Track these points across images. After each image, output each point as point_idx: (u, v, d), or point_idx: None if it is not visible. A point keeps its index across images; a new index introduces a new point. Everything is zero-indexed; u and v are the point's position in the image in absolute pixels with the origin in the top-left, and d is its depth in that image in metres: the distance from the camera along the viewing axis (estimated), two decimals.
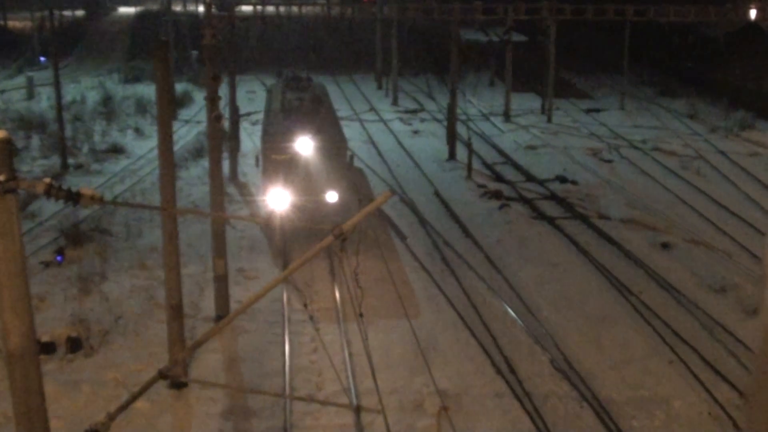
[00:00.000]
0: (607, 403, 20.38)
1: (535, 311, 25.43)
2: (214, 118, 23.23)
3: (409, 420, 19.68)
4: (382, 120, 55.79)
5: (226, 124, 36.15)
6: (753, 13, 55.90)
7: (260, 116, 56.20)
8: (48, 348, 22.23)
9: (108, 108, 56.78)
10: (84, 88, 65.03)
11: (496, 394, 20.87)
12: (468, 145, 41.65)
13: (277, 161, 29.82)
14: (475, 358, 22.60)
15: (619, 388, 21.23)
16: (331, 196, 28.83)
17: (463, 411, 19.99)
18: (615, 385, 21.35)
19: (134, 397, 8.48)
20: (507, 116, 56.06)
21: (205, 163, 37.74)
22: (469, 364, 22.29)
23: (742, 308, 25.75)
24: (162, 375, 8.33)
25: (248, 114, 53.20)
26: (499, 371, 21.83)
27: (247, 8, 61.17)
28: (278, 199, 26.89)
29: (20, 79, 66.53)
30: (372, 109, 60.14)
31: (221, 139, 25.40)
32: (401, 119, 56.68)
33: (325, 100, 38.59)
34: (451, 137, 45.01)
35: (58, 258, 28.52)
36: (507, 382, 21.33)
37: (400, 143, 48.30)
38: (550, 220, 33.89)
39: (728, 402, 20.32)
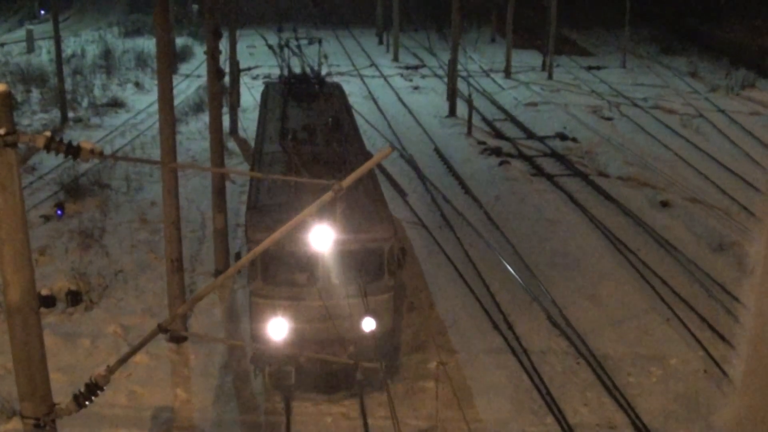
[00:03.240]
0: (604, 359, 20.50)
1: (534, 268, 25.49)
2: (215, 72, 23.17)
3: (408, 375, 19.80)
4: (382, 76, 55.62)
5: (226, 79, 35.93)
6: None
7: (260, 71, 56.38)
8: (48, 301, 22.33)
9: (108, 62, 56.58)
10: (84, 41, 64.76)
11: (493, 349, 20.99)
12: (468, 101, 41.56)
13: (272, 264, 18.15)
14: (474, 314, 22.70)
15: (616, 344, 21.34)
16: (367, 324, 16.38)
17: (461, 366, 20.12)
18: (612, 341, 21.46)
19: (134, 351, 8.55)
20: (508, 73, 55.86)
21: (205, 117, 37.62)
22: (468, 320, 22.39)
23: (740, 267, 25.81)
24: (162, 329, 8.39)
25: (248, 69, 53.03)
26: (496, 327, 21.94)
27: None
28: (276, 330, 16.49)
29: (20, 33, 66.20)
30: (373, 64, 59.93)
31: (221, 93, 25.25)
32: (402, 75, 56.52)
33: (349, 125, 25.50)
34: (452, 93, 44.90)
35: (58, 212, 28.55)
36: (505, 338, 21.44)
37: (400, 99, 48.19)
38: (550, 177, 33.89)
39: (724, 360, 20.43)
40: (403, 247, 21.13)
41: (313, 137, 22.62)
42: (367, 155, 22.88)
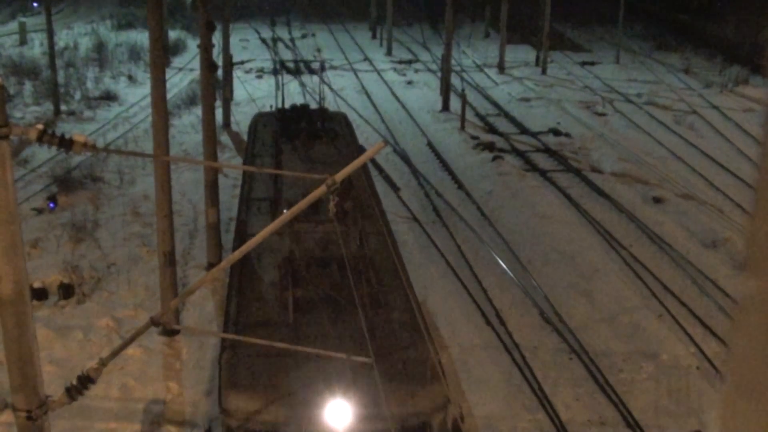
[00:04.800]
0: (596, 355, 20.52)
1: (526, 263, 25.51)
2: (208, 66, 23.13)
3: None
4: (376, 70, 55.58)
5: (219, 72, 35.84)
6: None
7: (254, 64, 56.30)
8: (40, 294, 22.29)
9: (101, 55, 56.49)
10: (77, 34, 64.62)
11: (485, 345, 21.00)
12: (462, 96, 41.55)
13: None
14: (466, 309, 22.71)
15: (608, 340, 21.36)
16: None
17: (453, 361, 20.13)
18: (604, 337, 21.48)
19: (126, 344, 8.53)
20: (501, 68, 55.87)
21: (197, 111, 37.60)
22: (460, 315, 22.40)
23: (732, 263, 25.86)
24: (154, 322, 8.37)
25: (241, 62, 52.95)
26: (488, 322, 21.95)
27: None
28: None
29: (13, 25, 66.03)
30: (366, 59, 59.87)
31: (214, 87, 25.18)
32: (395, 69, 56.51)
33: (365, 187, 18.78)
34: (445, 88, 44.89)
35: (51, 205, 28.51)
36: (496, 333, 21.45)
37: (393, 94, 48.16)
38: (543, 173, 33.90)
39: (716, 356, 20.47)
40: (461, 411, 14.98)
41: (317, 212, 16.06)
42: (393, 241, 16.64)
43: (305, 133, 22.14)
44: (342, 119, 25.20)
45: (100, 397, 17.96)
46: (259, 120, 25.03)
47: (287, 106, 24.90)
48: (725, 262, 25.99)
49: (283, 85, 24.25)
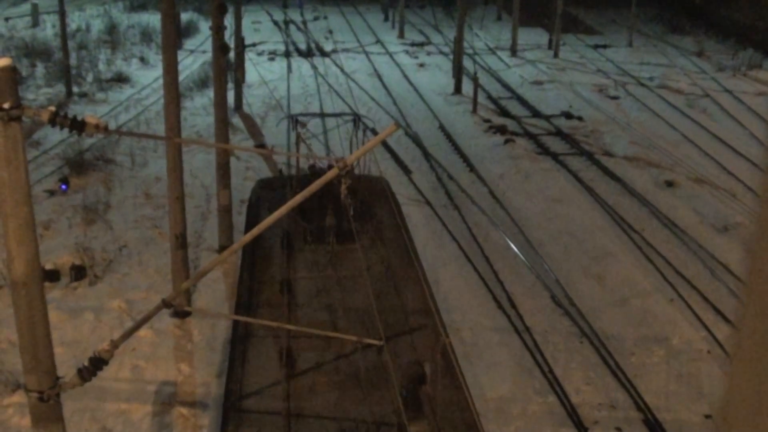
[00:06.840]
0: (607, 339, 20.51)
1: (538, 247, 25.48)
2: (220, 48, 23.11)
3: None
4: (388, 52, 55.47)
5: (231, 54, 35.76)
6: None
7: (265, 46, 56.24)
8: (52, 276, 22.35)
9: (113, 36, 56.52)
10: (89, 16, 64.65)
11: (496, 328, 21.00)
12: (474, 79, 41.46)
13: None
14: (477, 292, 22.70)
15: (619, 324, 21.34)
16: None
17: (464, 344, 20.14)
18: (615, 321, 21.46)
19: (138, 326, 8.55)
20: (513, 51, 55.71)
21: (209, 93, 37.59)
22: (471, 298, 22.39)
23: (744, 247, 25.78)
24: (165, 304, 8.38)
25: (253, 44, 52.86)
26: (500, 306, 21.94)
27: None
28: None
29: (25, 7, 66.06)
30: (378, 41, 59.76)
31: (226, 69, 25.13)
32: (407, 52, 56.41)
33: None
34: (457, 71, 44.80)
35: (63, 186, 28.55)
36: (508, 316, 21.44)
37: (405, 76, 48.07)
38: (555, 156, 33.82)
39: (727, 340, 20.43)
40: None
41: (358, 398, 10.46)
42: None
43: (332, 231, 14.21)
44: (383, 191, 17.00)
45: (112, 378, 18.03)
46: (262, 196, 17.30)
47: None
48: (737, 246, 25.92)
49: (298, 136, 16.86)
